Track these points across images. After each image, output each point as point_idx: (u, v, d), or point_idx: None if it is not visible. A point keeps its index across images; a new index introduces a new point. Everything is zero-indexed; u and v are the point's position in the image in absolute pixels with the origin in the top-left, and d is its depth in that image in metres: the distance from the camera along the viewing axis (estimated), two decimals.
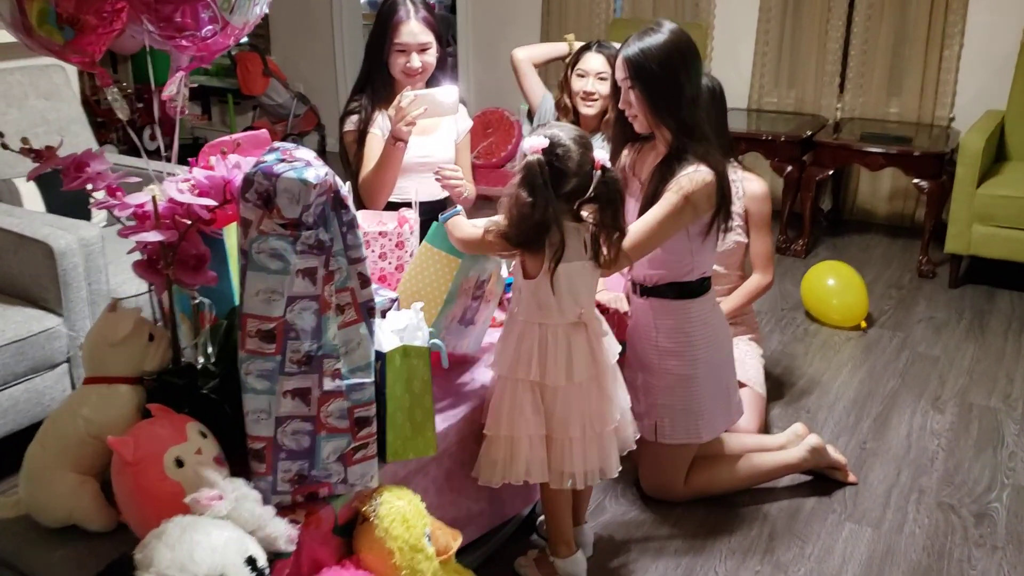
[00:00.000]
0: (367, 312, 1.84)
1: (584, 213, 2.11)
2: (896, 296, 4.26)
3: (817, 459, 2.74)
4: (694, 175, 2.29)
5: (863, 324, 3.87)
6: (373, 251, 2.56)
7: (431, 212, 2.98)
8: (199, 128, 6.97)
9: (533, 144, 2.03)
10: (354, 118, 2.94)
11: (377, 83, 2.93)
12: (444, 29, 8.22)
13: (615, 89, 2.43)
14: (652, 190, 2.35)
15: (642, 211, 2.34)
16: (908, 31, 4.90)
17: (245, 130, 6.75)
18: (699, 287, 2.50)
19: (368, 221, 2.68)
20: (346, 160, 2.97)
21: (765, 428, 3.04)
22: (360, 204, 2.93)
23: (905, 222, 5.16)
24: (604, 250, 2.11)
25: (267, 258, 1.71)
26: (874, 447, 2.98)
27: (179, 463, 1.67)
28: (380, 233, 2.55)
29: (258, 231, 1.71)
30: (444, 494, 2.21)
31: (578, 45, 3.25)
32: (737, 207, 2.97)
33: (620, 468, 2.24)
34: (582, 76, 3.08)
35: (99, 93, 6.64)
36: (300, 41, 6.79)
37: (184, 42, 1.72)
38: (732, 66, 5.29)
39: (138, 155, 2.02)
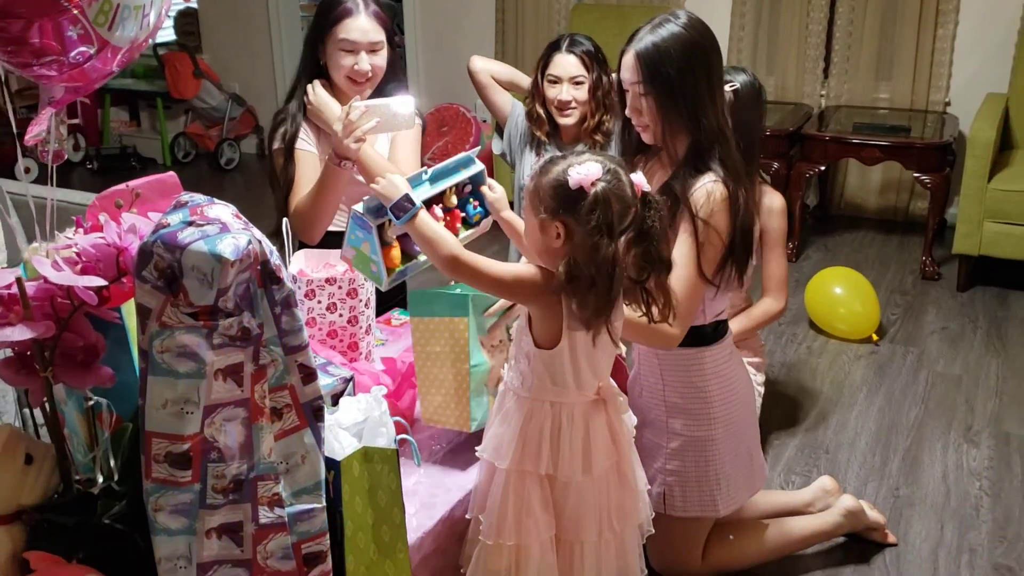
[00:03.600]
0: (313, 415, 1.42)
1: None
2: (902, 303, 3.90)
3: (854, 523, 2.36)
4: (712, 188, 1.90)
5: (875, 337, 3.51)
6: (320, 302, 2.13)
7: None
8: (128, 136, 6.44)
9: (588, 173, 1.55)
10: (282, 131, 2.47)
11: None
12: (390, 20, 7.81)
13: (622, 94, 2.01)
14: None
15: None
16: (898, 9, 4.54)
17: (175, 138, 6.29)
18: (712, 333, 2.09)
19: (313, 265, 2.25)
20: (275, 183, 2.50)
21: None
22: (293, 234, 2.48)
23: (899, 216, 4.81)
24: (655, 299, 1.66)
25: (174, 358, 1.29)
26: (908, 494, 2.61)
27: None
28: (328, 280, 2.12)
29: (159, 324, 1.29)
30: None
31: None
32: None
33: (645, 572, 1.82)
34: (554, 82, 2.66)
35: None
36: (233, 38, 6.34)
37: (45, 70, 1.26)
38: None
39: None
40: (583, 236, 1.55)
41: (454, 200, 2.00)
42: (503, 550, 1.71)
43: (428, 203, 1.87)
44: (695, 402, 2.09)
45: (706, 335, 2.07)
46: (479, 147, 5.41)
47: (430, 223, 1.70)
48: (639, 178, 1.62)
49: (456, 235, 1.93)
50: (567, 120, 2.67)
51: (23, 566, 1.37)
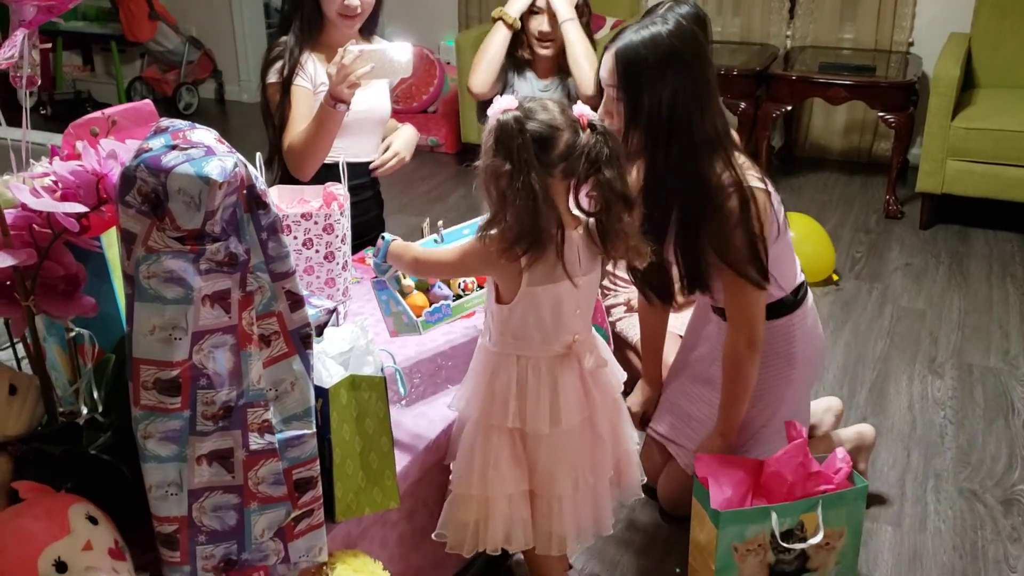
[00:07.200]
0: (301, 342, 1.42)
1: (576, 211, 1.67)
2: (866, 241, 3.95)
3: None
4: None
5: (835, 277, 3.56)
6: (296, 238, 2.11)
7: (364, 174, 2.55)
8: (82, 81, 6.28)
9: (501, 103, 1.60)
10: (278, 65, 2.43)
11: (306, 22, 2.43)
12: None
13: (599, 89, 1.99)
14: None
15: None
16: None
17: (131, 83, 6.14)
18: (794, 301, 2.12)
19: (287, 200, 2.22)
20: (268, 118, 2.47)
21: None
22: (283, 170, 2.46)
23: (862, 157, 4.85)
24: (610, 237, 1.66)
25: (161, 284, 1.28)
26: (875, 424, 2.66)
27: (61, 567, 1.25)
28: (303, 215, 2.10)
29: (146, 248, 1.27)
30: (407, 542, 1.81)
31: (515, 12, 2.72)
32: None
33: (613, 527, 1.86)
34: (536, 13, 2.64)
35: None
36: None
37: None
38: None
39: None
40: (491, 167, 1.58)
41: None
42: (471, 501, 1.74)
43: None
44: (776, 365, 2.12)
45: (788, 304, 2.10)
46: (443, 93, 5.36)
47: (399, 246, 1.79)
48: (582, 108, 1.64)
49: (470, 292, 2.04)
50: (545, 51, 2.67)
51: (11, 496, 1.35)
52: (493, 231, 1.60)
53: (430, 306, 1.94)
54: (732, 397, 2.07)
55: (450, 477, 1.77)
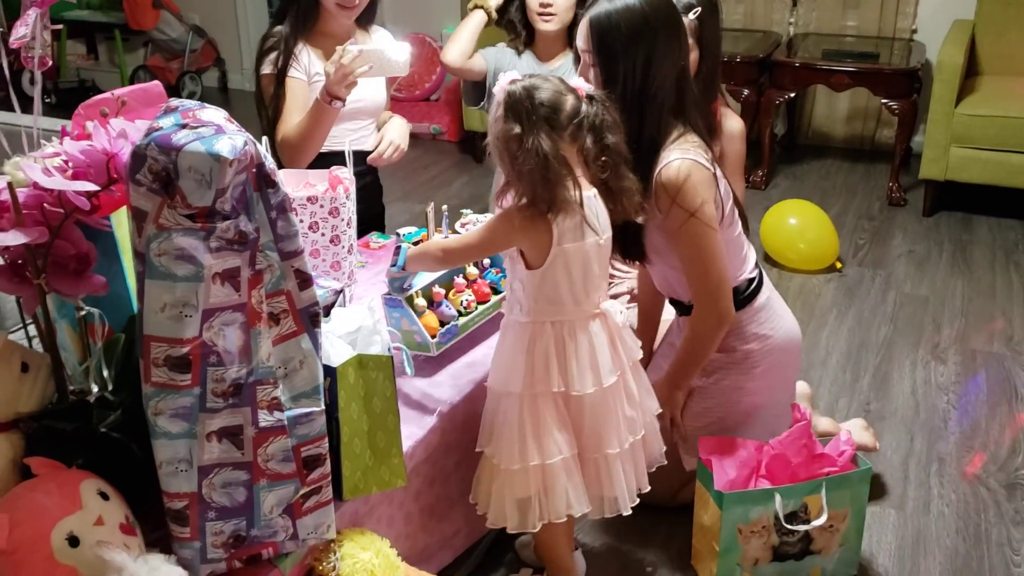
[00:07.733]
0: (310, 320, 1.43)
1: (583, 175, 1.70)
2: (869, 228, 3.96)
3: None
4: (671, 170, 1.87)
5: (839, 264, 3.56)
6: (303, 221, 2.12)
7: (360, 162, 2.56)
8: (85, 69, 6.28)
9: (506, 77, 1.67)
10: (272, 56, 2.43)
11: (302, 11, 2.43)
12: None
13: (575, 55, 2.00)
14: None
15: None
16: None
17: (135, 71, 6.15)
18: (746, 292, 2.04)
19: (293, 183, 2.22)
20: (262, 109, 2.48)
21: None
22: (277, 160, 2.46)
23: (865, 144, 4.85)
24: (618, 201, 1.71)
25: (172, 261, 1.29)
26: (879, 408, 2.68)
27: (73, 541, 1.26)
28: (309, 199, 2.10)
29: (157, 226, 1.28)
30: (414, 521, 1.82)
31: (494, 2, 2.70)
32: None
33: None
34: None
35: None
36: None
37: None
38: None
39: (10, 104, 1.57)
40: (501, 132, 1.62)
41: (474, 270, 2.10)
42: (528, 475, 1.74)
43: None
44: (735, 362, 2.08)
45: (739, 297, 2.01)
46: (445, 81, 5.35)
47: (417, 249, 1.83)
48: (578, 82, 1.69)
49: (486, 301, 2.07)
50: (547, 26, 2.60)
51: (22, 473, 1.37)
52: (509, 196, 1.64)
53: (442, 327, 1.95)
54: (690, 353, 2.01)
55: (492, 461, 1.78)
